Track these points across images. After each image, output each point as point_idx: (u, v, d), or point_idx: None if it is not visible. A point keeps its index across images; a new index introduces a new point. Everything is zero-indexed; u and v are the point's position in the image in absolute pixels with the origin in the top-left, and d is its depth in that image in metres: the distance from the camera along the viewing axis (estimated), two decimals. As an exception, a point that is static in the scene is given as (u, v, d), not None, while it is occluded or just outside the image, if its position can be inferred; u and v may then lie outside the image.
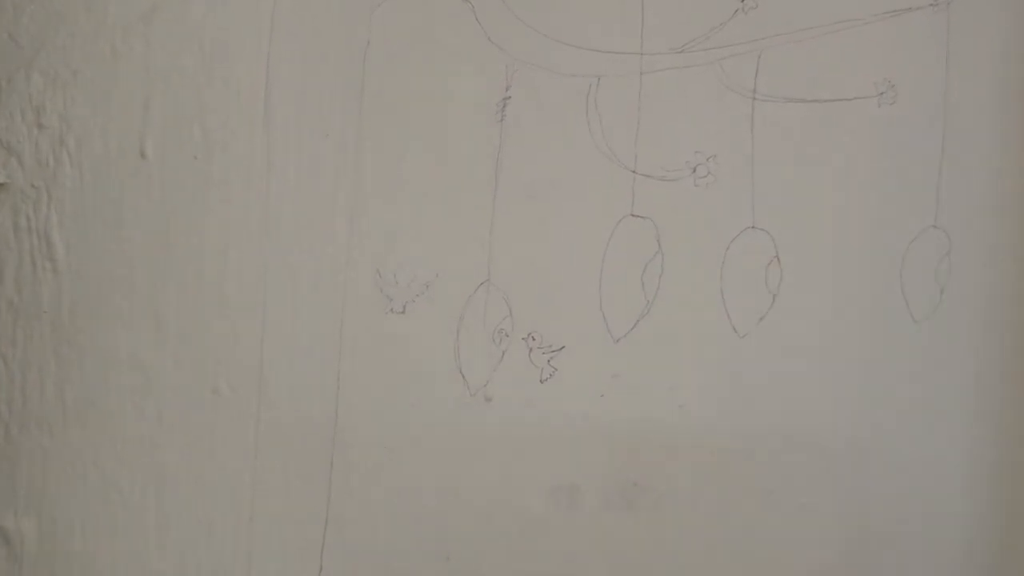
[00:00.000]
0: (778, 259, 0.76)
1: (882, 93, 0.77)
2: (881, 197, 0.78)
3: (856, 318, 0.79)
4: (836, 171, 0.77)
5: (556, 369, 0.75)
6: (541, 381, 0.75)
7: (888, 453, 0.80)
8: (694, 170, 0.75)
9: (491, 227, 0.73)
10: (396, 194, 0.72)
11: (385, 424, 0.74)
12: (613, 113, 0.74)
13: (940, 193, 0.79)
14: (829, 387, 0.79)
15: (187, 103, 0.69)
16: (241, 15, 0.69)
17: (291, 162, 0.71)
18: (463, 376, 0.74)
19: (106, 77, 0.68)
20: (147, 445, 0.70)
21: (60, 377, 0.69)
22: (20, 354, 0.69)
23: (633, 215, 0.74)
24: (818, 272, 0.78)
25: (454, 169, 0.72)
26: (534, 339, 0.74)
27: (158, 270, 0.69)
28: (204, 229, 0.70)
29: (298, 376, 0.72)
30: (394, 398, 0.73)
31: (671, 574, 0.77)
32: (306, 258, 0.72)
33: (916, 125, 0.78)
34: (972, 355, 0.81)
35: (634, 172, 0.74)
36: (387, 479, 0.74)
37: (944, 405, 0.81)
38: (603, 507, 0.76)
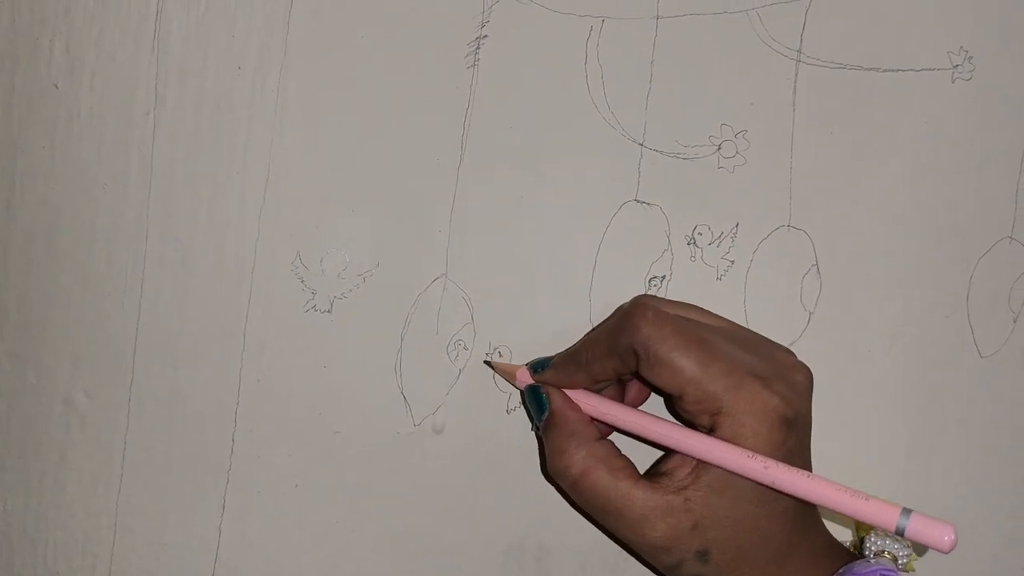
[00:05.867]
0: (818, 268, 0.61)
1: (957, 66, 0.62)
2: (948, 196, 0.63)
3: (909, 349, 0.63)
4: (895, 161, 0.62)
5: (528, 395, 0.59)
6: (508, 411, 0.59)
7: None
8: (719, 148, 0.59)
9: (452, 205, 0.57)
10: (328, 154, 0.56)
11: (298, 457, 0.57)
12: (618, 67, 0.58)
13: (1020, 197, 0.63)
14: (873, 439, 0.63)
15: (46, 7, 0.52)
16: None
17: (188, 98, 0.54)
18: (405, 399, 0.58)
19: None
20: (-34, 471, 0.54)
21: None
22: None
23: (638, 200, 0.59)
24: (866, 288, 0.62)
25: (407, 126, 0.56)
26: (501, 355, 0.59)
27: (-5, 234, 0.53)
28: (62, 182, 0.53)
29: (183, 387, 0.56)
30: (311, 423, 0.57)
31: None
32: (201, 228, 0.55)
33: (995, 107, 0.63)
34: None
35: (642, 145, 0.59)
36: (296, 530, 0.57)
37: (1020, 467, 0.65)
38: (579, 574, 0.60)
